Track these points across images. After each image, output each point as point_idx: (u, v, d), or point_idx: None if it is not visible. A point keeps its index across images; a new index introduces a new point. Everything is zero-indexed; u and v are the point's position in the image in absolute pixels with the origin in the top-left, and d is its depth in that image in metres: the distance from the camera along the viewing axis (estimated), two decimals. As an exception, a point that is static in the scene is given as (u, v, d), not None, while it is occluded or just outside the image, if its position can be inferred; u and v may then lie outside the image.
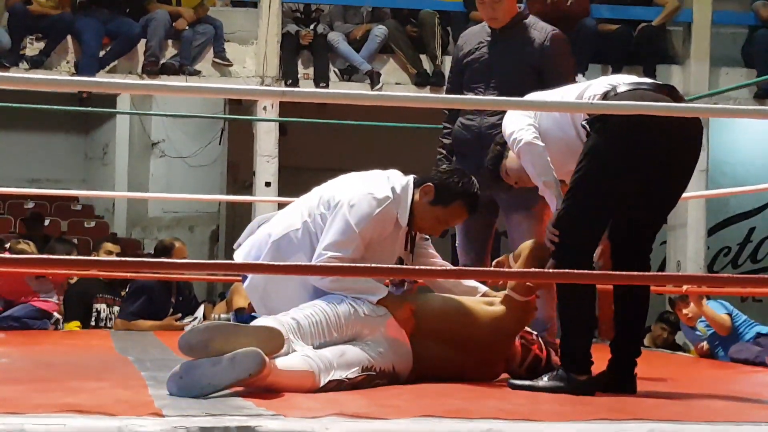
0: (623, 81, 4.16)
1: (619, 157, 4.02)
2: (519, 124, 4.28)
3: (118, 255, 8.99)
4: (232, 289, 8.30)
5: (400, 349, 4.21)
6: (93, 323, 8.38)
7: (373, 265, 4.20)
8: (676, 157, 4.10)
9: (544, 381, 4.07)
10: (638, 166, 4.04)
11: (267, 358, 3.59)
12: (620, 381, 4.13)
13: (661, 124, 3.93)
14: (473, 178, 4.51)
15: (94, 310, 8.40)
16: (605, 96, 4.07)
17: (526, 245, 4.47)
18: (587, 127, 4.08)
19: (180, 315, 8.32)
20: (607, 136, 4.01)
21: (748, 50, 11.08)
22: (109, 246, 8.80)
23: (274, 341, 3.77)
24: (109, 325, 8.42)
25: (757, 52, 10.88)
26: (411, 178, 4.50)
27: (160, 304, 8.31)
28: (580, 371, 4.05)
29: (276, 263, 4.24)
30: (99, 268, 6.99)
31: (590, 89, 4.19)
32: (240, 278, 6.79)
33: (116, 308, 8.45)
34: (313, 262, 4.27)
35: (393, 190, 4.37)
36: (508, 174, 4.55)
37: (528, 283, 4.39)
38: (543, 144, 4.22)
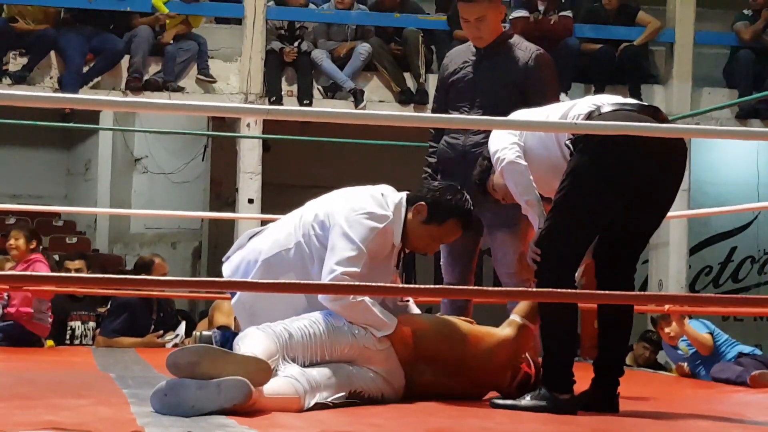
0: (608, 101, 4.18)
1: (602, 177, 4.03)
2: (503, 143, 4.27)
3: (96, 270, 8.98)
4: (213, 307, 8.28)
5: (393, 379, 4.17)
6: (68, 341, 8.34)
7: (367, 283, 4.15)
8: (659, 178, 4.11)
9: (526, 400, 4.07)
10: (621, 186, 4.05)
11: (253, 389, 3.54)
12: (603, 400, 4.13)
13: (645, 145, 3.94)
14: (465, 195, 4.49)
15: (68, 327, 8.37)
16: (589, 116, 4.08)
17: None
18: (570, 146, 4.09)
19: (162, 332, 8.30)
20: (589, 156, 4.02)
21: (729, 70, 11.15)
22: (72, 264, 8.61)
23: (262, 373, 3.68)
24: (84, 342, 8.38)
25: (739, 72, 10.94)
26: (404, 195, 4.45)
27: (142, 320, 8.29)
28: (563, 390, 4.04)
29: (258, 281, 4.20)
30: (81, 285, 6.97)
31: (575, 109, 4.20)
32: (224, 295, 6.79)
33: (91, 324, 8.43)
34: (324, 280, 4.18)
35: (390, 208, 4.33)
36: (495, 189, 4.54)
37: (536, 310, 4.41)
38: (525, 163, 4.21)
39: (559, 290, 3.90)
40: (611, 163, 4.01)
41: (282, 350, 3.93)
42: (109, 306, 8.43)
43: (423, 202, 4.40)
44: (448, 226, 4.43)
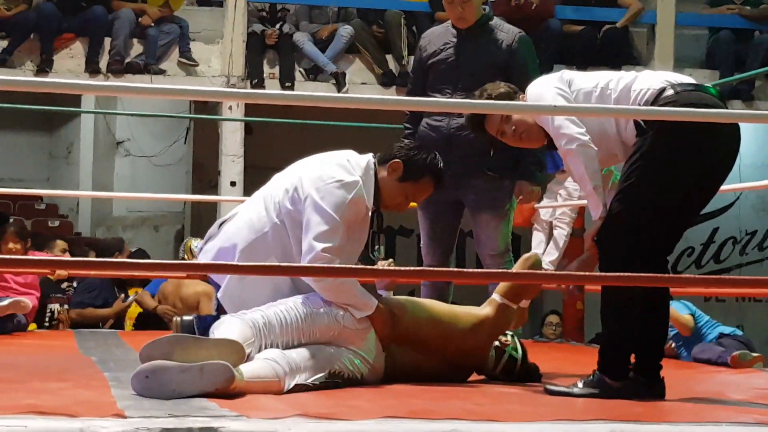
0: (675, 80, 3.97)
1: (685, 159, 3.87)
2: (566, 118, 4.00)
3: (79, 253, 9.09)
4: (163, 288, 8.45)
5: (373, 359, 4.16)
6: (47, 324, 8.38)
7: (348, 266, 4.13)
8: (725, 161, 4.00)
9: (579, 388, 3.96)
10: (697, 169, 3.91)
11: (235, 372, 3.55)
12: (648, 386, 4.02)
13: (719, 128, 3.84)
14: (437, 153, 4.46)
15: (48, 310, 8.40)
16: (661, 92, 3.91)
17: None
18: (642, 123, 3.89)
19: (123, 295, 8.52)
20: (671, 137, 3.84)
21: (711, 52, 11.17)
22: (61, 243, 8.76)
23: (236, 354, 3.70)
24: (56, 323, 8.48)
25: (720, 53, 10.97)
26: (370, 157, 4.41)
27: (108, 295, 8.62)
28: (617, 377, 3.96)
29: (242, 263, 4.14)
30: (76, 268, 7.09)
31: (639, 81, 4.00)
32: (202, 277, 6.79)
33: (65, 306, 8.54)
34: (304, 257, 4.13)
35: (357, 172, 4.28)
36: (514, 126, 4.23)
37: (516, 290, 4.41)
38: (596, 148, 3.98)
39: (555, 272, 3.78)
40: (691, 145, 3.85)
41: (258, 335, 3.93)
42: (75, 284, 8.64)
43: (398, 160, 4.38)
44: (423, 183, 4.42)
